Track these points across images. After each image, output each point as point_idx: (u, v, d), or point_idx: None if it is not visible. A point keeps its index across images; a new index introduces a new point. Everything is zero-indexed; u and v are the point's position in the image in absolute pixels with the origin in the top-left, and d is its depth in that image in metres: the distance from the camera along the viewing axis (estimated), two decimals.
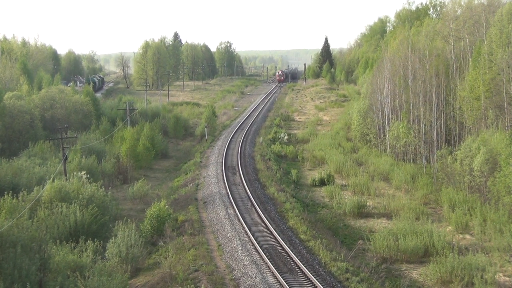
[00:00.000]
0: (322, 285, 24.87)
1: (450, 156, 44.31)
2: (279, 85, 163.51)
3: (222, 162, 55.73)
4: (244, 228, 34.02)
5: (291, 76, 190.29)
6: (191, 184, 48.48)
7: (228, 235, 33.16)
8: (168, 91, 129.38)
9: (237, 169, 52.76)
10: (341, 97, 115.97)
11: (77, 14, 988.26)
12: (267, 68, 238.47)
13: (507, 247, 31.14)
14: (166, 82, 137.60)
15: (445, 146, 50.41)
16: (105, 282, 24.13)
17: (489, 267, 27.66)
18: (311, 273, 26.21)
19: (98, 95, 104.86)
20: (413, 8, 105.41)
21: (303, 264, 27.38)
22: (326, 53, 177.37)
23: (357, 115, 67.82)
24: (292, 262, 28.25)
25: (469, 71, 49.29)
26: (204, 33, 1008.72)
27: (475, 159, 38.73)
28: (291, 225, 35.97)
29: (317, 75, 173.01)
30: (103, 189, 38.25)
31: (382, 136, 63.25)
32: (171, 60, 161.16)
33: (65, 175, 42.28)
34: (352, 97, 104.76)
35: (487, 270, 27.30)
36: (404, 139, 53.99)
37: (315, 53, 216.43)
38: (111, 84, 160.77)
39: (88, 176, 41.99)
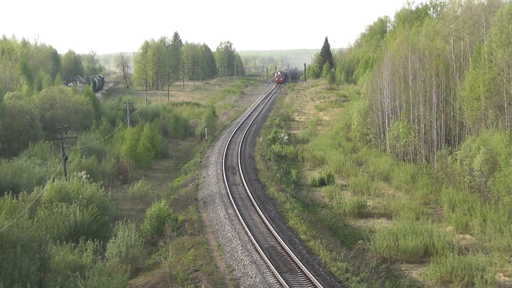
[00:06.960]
0: (322, 285, 24.86)
1: (450, 156, 44.33)
2: (278, 85, 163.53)
3: (222, 162, 55.72)
4: (244, 228, 34.02)
5: (291, 76, 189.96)
6: (191, 184, 48.47)
7: (228, 235, 33.15)
8: (168, 91, 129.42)
9: (237, 169, 52.74)
10: (341, 97, 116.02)
11: (77, 14, 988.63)
12: (267, 68, 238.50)
13: (507, 247, 31.14)
14: (166, 82, 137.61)
15: (445, 146, 50.42)
16: (105, 282, 24.13)
17: (489, 267, 27.65)
18: (311, 273, 26.20)
19: (98, 95, 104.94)
20: (413, 8, 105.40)
21: (303, 264, 27.37)
22: (326, 53, 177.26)
23: (357, 115, 67.88)
24: (292, 262, 28.24)
25: (469, 71, 49.27)
26: (204, 33, 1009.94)
27: (475, 159, 38.73)
28: (291, 225, 35.96)
29: (317, 75, 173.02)
30: (103, 189, 38.25)
31: (382, 136, 63.27)
32: (171, 60, 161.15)
33: (65, 175, 42.27)
34: (352, 97, 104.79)
35: (487, 270, 27.28)
36: (404, 139, 53.99)
37: (315, 53, 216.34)
38: (111, 84, 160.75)
39: (88, 176, 41.94)
